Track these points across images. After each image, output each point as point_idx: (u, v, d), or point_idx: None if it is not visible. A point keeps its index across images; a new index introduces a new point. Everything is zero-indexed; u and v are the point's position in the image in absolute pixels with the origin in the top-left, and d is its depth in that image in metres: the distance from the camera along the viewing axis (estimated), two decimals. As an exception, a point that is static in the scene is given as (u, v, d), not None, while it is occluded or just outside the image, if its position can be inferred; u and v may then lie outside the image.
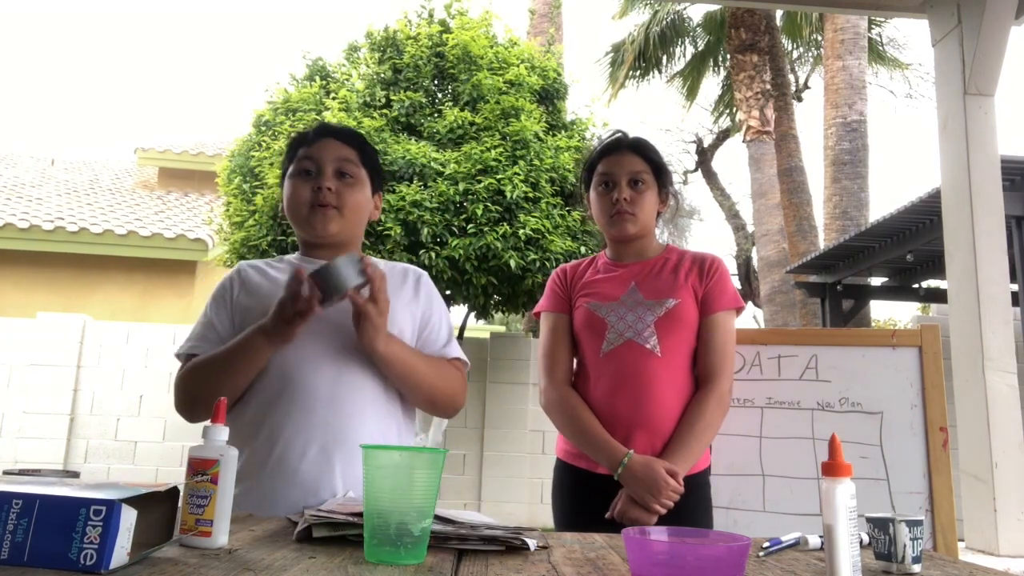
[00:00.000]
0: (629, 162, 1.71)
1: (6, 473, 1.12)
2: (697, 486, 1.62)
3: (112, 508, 0.75)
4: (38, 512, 0.75)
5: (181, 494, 0.90)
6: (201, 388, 1.34)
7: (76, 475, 1.15)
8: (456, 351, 1.49)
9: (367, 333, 1.27)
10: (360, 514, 0.92)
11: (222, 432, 0.94)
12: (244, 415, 1.35)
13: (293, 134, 1.84)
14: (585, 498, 1.66)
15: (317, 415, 1.32)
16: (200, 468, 0.90)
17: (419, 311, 1.48)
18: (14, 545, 0.74)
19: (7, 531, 0.75)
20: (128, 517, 0.76)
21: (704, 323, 1.66)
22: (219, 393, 1.27)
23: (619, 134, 1.79)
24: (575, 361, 1.76)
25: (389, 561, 0.84)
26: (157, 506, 0.85)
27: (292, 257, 1.52)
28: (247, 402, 1.36)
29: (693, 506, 1.59)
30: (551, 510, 1.77)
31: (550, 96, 6.55)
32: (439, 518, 0.99)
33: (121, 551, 0.75)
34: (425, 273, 1.55)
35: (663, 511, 1.50)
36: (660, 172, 1.74)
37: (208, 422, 0.95)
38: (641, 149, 1.74)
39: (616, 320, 1.66)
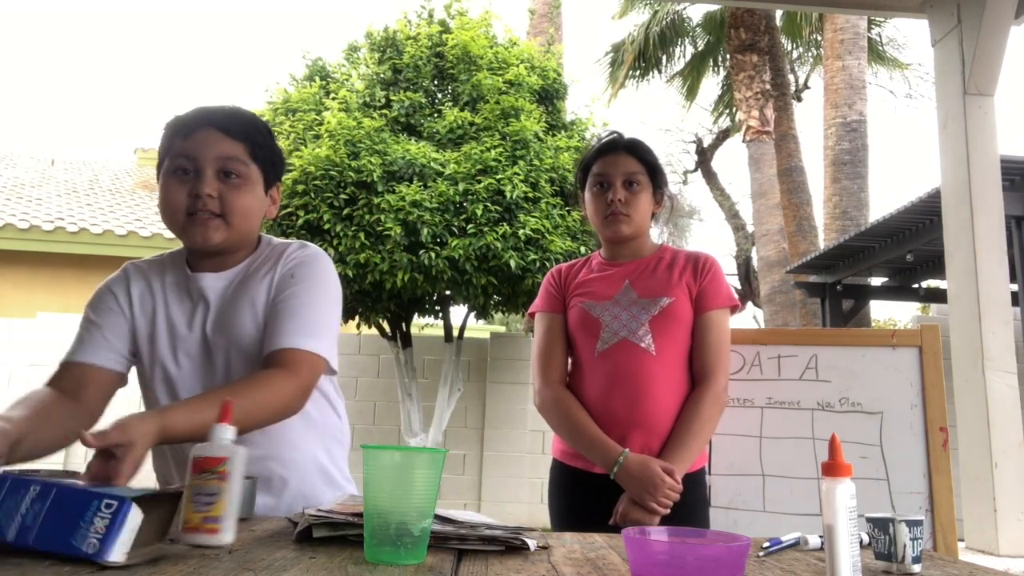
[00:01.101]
0: (624, 163, 1.71)
1: (6, 473, 1.11)
2: (693, 485, 1.62)
3: (122, 505, 0.78)
4: (52, 500, 0.79)
5: (184, 494, 0.90)
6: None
7: (76, 475, 1.14)
8: (289, 340, 1.21)
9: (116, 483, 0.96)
10: (360, 514, 0.92)
11: (229, 431, 0.93)
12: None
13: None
14: (582, 498, 1.66)
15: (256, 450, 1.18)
16: (207, 466, 0.90)
17: (270, 295, 1.29)
18: (23, 528, 0.79)
19: (19, 514, 0.79)
20: (135, 516, 0.79)
21: (699, 321, 1.66)
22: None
23: (614, 135, 1.79)
24: (570, 361, 1.76)
25: (389, 561, 0.84)
26: (159, 507, 0.86)
27: (176, 258, 1.37)
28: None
29: (689, 505, 1.58)
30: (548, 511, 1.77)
31: (550, 96, 6.55)
32: (439, 518, 0.99)
33: (122, 546, 0.77)
34: (308, 247, 1.35)
35: (663, 510, 1.50)
36: (655, 173, 1.75)
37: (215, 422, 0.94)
38: (636, 150, 1.74)
39: (611, 319, 1.66)
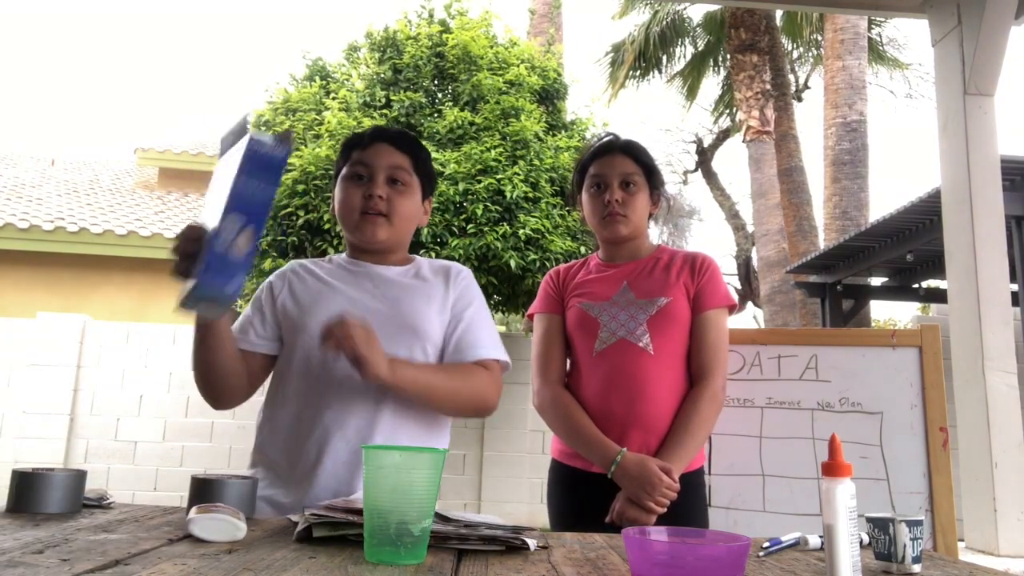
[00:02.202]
0: (621, 164, 1.72)
1: (15, 472, 1.12)
2: (691, 485, 1.62)
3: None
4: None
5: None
6: (201, 384, 1.37)
7: (84, 473, 1.16)
8: (488, 352, 1.44)
9: (366, 372, 1.21)
10: (360, 513, 0.92)
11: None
12: (283, 418, 1.39)
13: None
14: (581, 498, 1.66)
15: (352, 424, 1.34)
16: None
17: (448, 310, 1.46)
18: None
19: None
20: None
21: (696, 321, 1.67)
22: (213, 385, 1.36)
23: (610, 136, 1.80)
24: (568, 361, 1.77)
25: (389, 561, 0.84)
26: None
27: (340, 257, 1.54)
28: (285, 404, 1.40)
29: (688, 505, 1.59)
30: (547, 510, 1.77)
31: (550, 96, 6.55)
32: (441, 517, 0.99)
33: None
34: (464, 270, 1.54)
35: (660, 509, 1.50)
36: (651, 174, 1.75)
37: None
38: (632, 151, 1.75)
39: (609, 319, 1.66)
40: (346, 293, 1.43)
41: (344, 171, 1.49)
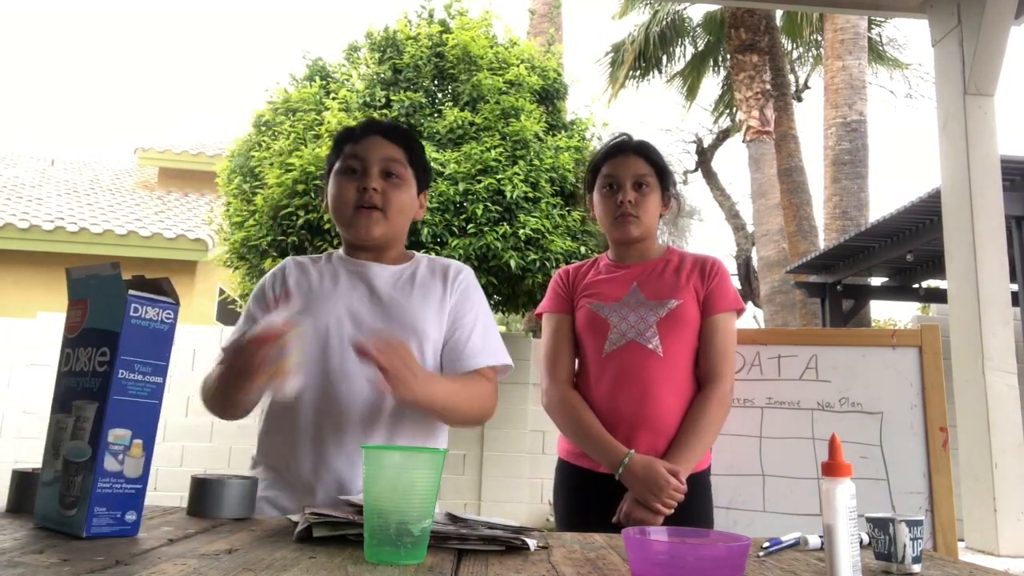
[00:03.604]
0: (633, 164, 1.72)
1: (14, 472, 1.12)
2: (698, 486, 1.62)
3: None
4: None
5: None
6: (212, 404, 1.34)
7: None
8: (489, 358, 1.42)
9: (397, 390, 1.17)
10: (360, 513, 0.92)
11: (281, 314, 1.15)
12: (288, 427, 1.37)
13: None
14: (588, 498, 1.66)
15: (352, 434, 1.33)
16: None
17: (446, 312, 1.43)
18: None
19: None
20: None
21: (705, 324, 1.67)
22: (227, 411, 1.34)
23: (624, 136, 1.79)
24: (577, 361, 1.76)
25: (389, 561, 0.84)
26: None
27: (337, 254, 1.51)
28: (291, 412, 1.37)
29: (694, 506, 1.59)
30: (553, 510, 1.77)
31: (550, 96, 6.55)
32: (452, 517, 0.99)
33: None
34: (465, 270, 1.50)
35: (667, 511, 1.50)
36: (663, 175, 1.75)
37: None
38: (645, 152, 1.75)
39: (618, 320, 1.66)
40: (342, 298, 1.41)
41: (337, 165, 1.46)
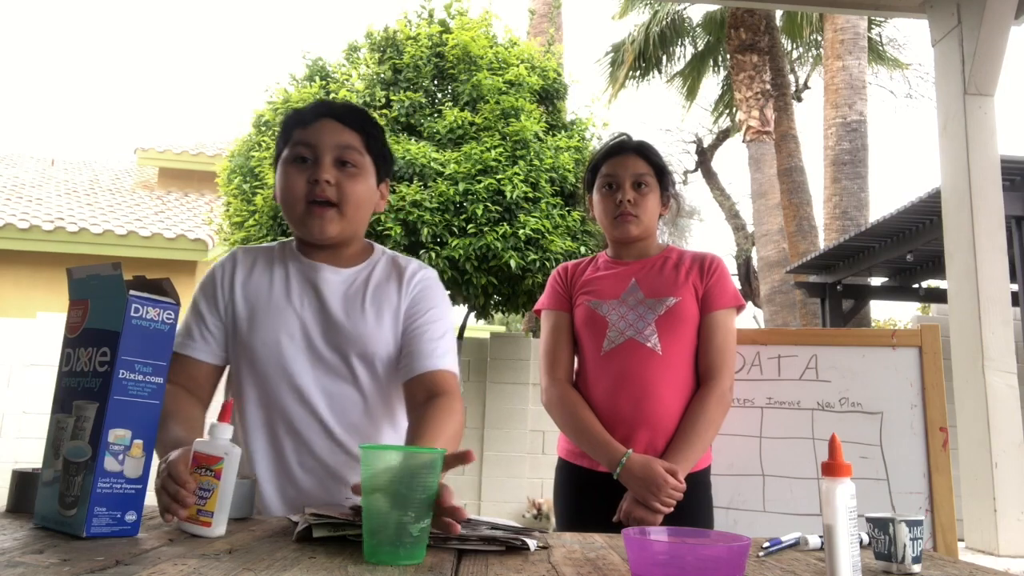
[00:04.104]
0: (633, 164, 1.72)
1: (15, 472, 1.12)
2: (698, 485, 1.62)
3: None
4: None
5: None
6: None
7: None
8: (439, 362, 1.29)
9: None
10: (360, 513, 0.92)
11: (227, 431, 0.96)
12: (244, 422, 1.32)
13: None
14: (588, 497, 1.66)
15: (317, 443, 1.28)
16: (205, 463, 0.93)
17: (400, 316, 1.33)
18: None
19: None
20: None
21: (705, 321, 1.67)
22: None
23: (623, 136, 1.80)
24: (576, 360, 1.76)
25: (388, 561, 0.84)
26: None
27: (291, 250, 1.39)
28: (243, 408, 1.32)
29: (694, 505, 1.59)
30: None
31: (550, 96, 6.54)
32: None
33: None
34: (423, 272, 1.39)
35: (666, 510, 1.50)
36: (663, 175, 1.75)
37: (215, 420, 0.98)
38: (645, 151, 1.75)
39: (617, 318, 1.66)
40: (293, 309, 1.30)
41: (285, 153, 1.31)
